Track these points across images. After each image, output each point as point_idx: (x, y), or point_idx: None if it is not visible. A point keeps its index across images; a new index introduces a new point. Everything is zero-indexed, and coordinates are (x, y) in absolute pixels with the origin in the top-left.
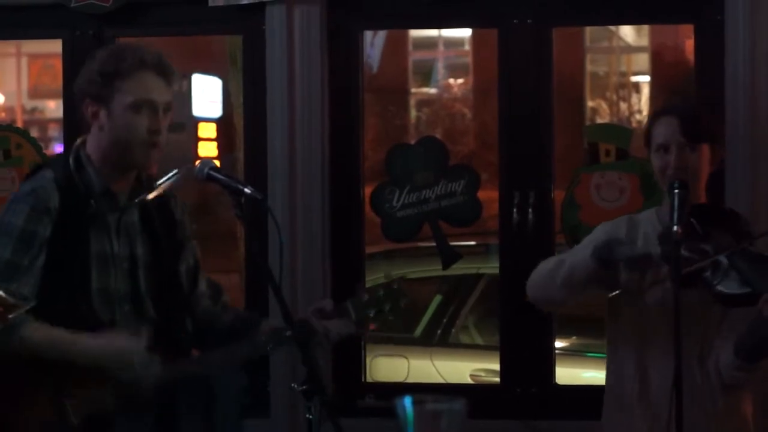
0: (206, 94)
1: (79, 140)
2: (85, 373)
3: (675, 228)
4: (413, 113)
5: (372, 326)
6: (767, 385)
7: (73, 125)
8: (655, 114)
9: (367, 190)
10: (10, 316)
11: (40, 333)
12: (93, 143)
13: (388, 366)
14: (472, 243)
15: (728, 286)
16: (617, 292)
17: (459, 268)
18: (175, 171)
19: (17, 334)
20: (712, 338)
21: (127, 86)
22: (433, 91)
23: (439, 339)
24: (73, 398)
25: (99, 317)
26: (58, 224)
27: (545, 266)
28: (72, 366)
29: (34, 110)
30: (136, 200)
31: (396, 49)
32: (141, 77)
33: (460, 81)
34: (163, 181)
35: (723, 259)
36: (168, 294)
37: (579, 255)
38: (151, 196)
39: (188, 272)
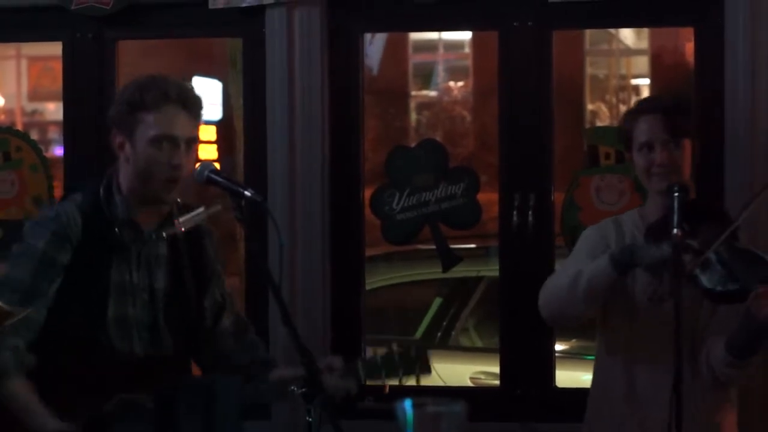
0: (206, 97)
1: (113, 167)
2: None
3: (675, 231)
4: (413, 116)
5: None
6: (752, 381)
7: (73, 127)
8: (633, 112)
9: (367, 193)
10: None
11: (19, 391)
12: (123, 173)
13: None
14: (472, 245)
15: (717, 283)
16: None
17: (459, 271)
18: (200, 209)
19: (6, 380)
20: (702, 335)
21: (150, 119)
22: (433, 93)
23: (439, 341)
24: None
25: (114, 345)
26: (79, 251)
27: (558, 282)
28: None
29: (33, 112)
30: (159, 235)
31: (396, 51)
32: (164, 111)
33: (460, 83)
34: (186, 218)
35: (711, 255)
36: (187, 327)
37: (596, 264)
38: (170, 232)
39: (213, 308)
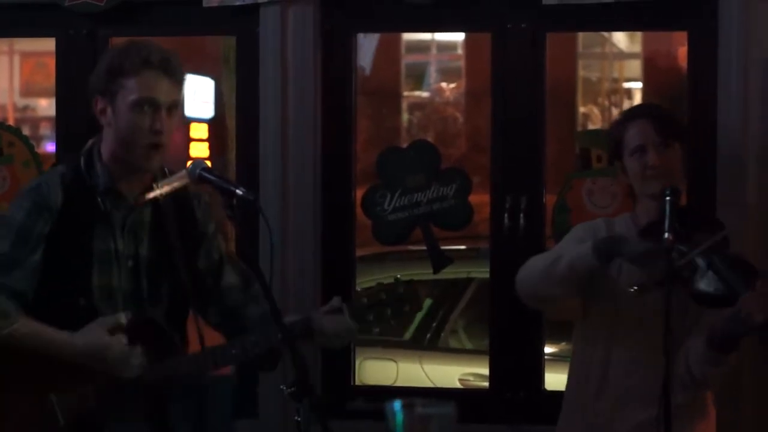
0: (198, 95)
1: (95, 137)
2: (70, 368)
3: (666, 235)
4: (405, 116)
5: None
6: (727, 380)
7: (65, 124)
8: (622, 121)
9: (359, 193)
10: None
11: (27, 328)
12: (105, 141)
13: (377, 369)
14: (463, 247)
15: (707, 286)
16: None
17: (449, 272)
18: (181, 173)
19: (6, 328)
20: (681, 336)
21: (131, 84)
22: (425, 94)
23: (428, 343)
24: (59, 395)
25: (101, 313)
26: (60, 221)
27: (538, 263)
28: (56, 362)
29: (26, 108)
30: (142, 202)
31: (389, 51)
32: (145, 75)
33: (452, 85)
34: (165, 182)
35: (701, 260)
36: (176, 294)
37: (578, 250)
38: (150, 195)
39: (210, 268)
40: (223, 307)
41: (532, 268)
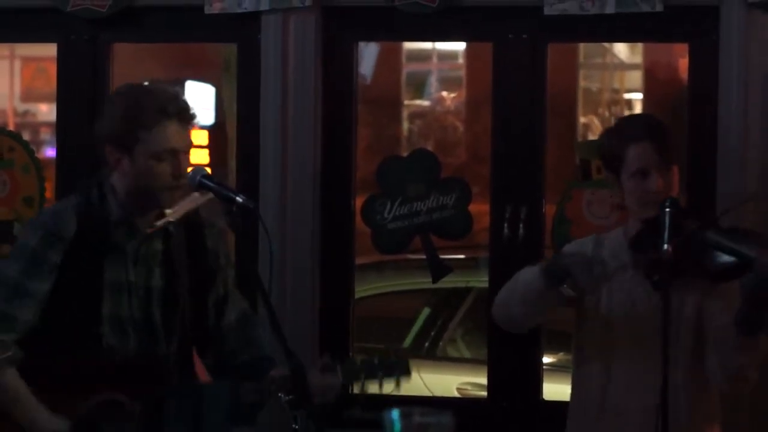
0: (199, 102)
1: (105, 170)
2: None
3: (666, 247)
4: (406, 125)
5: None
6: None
7: (65, 129)
8: (622, 138)
9: (358, 201)
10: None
11: (12, 385)
12: (118, 183)
13: None
14: (462, 256)
15: (715, 262)
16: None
17: (448, 281)
18: (186, 200)
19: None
20: (691, 344)
21: (149, 137)
22: (426, 103)
23: (426, 351)
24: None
25: (110, 343)
26: (72, 251)
27: (501, 291)
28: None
29: (26, 113)
30: (155, 232)
31: (389, 60)
32: (163, 128)
33: (453, 94)
34: (174, 210)
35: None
36: (184, 326)
37: (527, 276)
38: (159, 223)
39: (216, 303)
40: (219, 350)
41: (500, 295)
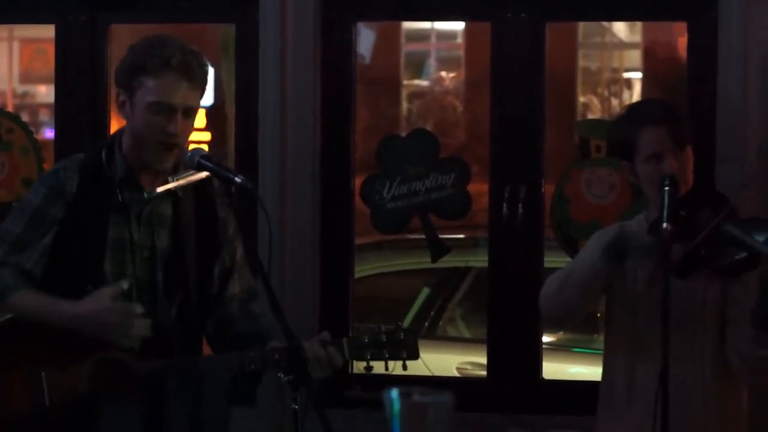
0: None
1: (120, 128)
2: (68, 346)
3: (665, 225)
4: (405, 105)
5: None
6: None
7: (64, 110)
8: (635, 123)
9: (358, 181)
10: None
11: (28, 299)
12: (126, 132)
13: None
14: (461, 236)
15: (726, 257)
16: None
17: (447, 261)
18: (191, 171)
19: (8, 298)
20: (718, 333)
21: (150, 84)
22: (425, 83)
23: (426, 331)
24: (50, 371)
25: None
26: (74, 207)
27: (553, 282)
28: (56, 337)
29: (25, 95)
30: (161, 194)
31: (388, 40)
32: (164, 78)
33: (452, 74)
34: (179, 177)
35: (713, 236)
36: (188, 291)
37: (587, 259)
38: (161, 188)
39: (221, 273)
40: (219, 318)
41: (549, 286)
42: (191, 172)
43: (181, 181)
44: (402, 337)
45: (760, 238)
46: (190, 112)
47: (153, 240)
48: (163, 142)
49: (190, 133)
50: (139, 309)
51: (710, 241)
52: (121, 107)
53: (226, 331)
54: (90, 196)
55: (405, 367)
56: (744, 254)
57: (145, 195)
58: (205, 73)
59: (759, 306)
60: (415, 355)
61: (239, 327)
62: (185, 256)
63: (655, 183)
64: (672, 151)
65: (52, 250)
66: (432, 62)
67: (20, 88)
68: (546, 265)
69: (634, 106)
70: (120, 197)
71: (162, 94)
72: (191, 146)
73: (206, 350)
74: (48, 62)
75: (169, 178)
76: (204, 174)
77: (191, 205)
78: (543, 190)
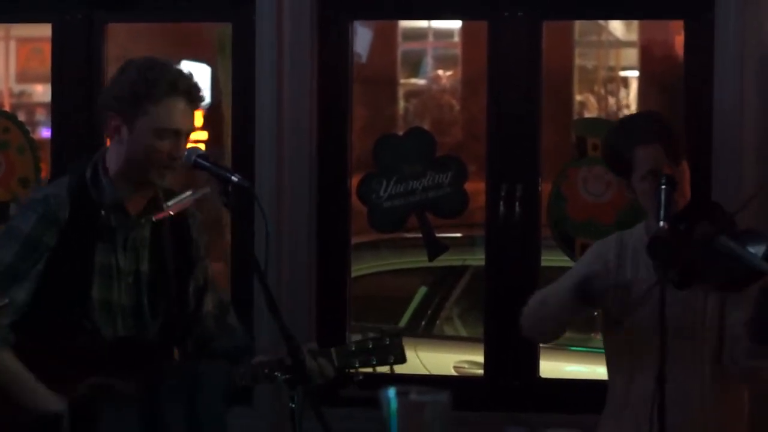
0: None
1: (101, 150)
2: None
3: (661, 224)
4: (401, 104)
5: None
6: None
7: (60, 110)
8: (630, 141)
9: (354, 180)
10: None
11: (8, 362)
12: (112, 155)
13: None
14: (458, 234)
15: (723, 270)
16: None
17: (444, 260)
18: (188, 193)
19: None
20: (718, 341)
21: (155, 111)
22: (421, 82)
23: (423, 330)
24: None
25: (98, 327)
26: (65, 234)
27: (536, 297)
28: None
29: (21, 94)
30: (146, 219)
31: (385, 39)
32: (170, 104)
33: (449, 72)
34: (174, 202)
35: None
36: (169, 311)
37: (561, 290)
38: (160, 215)
39: (195, 292)
40: (197, 336)
41: (529, 306)
42: (185, 196)
43: (179, 206)
44: (388, 342)
45: (756, 250)
46: (190, 134)
47: (137, 264)
48: (166, 165)
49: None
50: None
51: (708, 254)
52: (115, 132)
53: (204, 347)
54: (80, 222)
55: (392, 371)
56: (743, 269)
57: (142, 220)
58: (203, 95)
59: (754, 319)
60: (402, 359)
61: (218, 344)
62: (167, 277)
63: (648, 198)
64: (668, 167)
65: (42, 276)
66: (429, 61)
67: (17, 88)
68: (543, 263)
69: (627, 122)
70: (108, 223)
71: (169, 121)
72: (188, 145)
73: None
74: (45, 61)
75: (164, 205)
76: (196, 194)
77: (168, 227)
78: (540, 189)
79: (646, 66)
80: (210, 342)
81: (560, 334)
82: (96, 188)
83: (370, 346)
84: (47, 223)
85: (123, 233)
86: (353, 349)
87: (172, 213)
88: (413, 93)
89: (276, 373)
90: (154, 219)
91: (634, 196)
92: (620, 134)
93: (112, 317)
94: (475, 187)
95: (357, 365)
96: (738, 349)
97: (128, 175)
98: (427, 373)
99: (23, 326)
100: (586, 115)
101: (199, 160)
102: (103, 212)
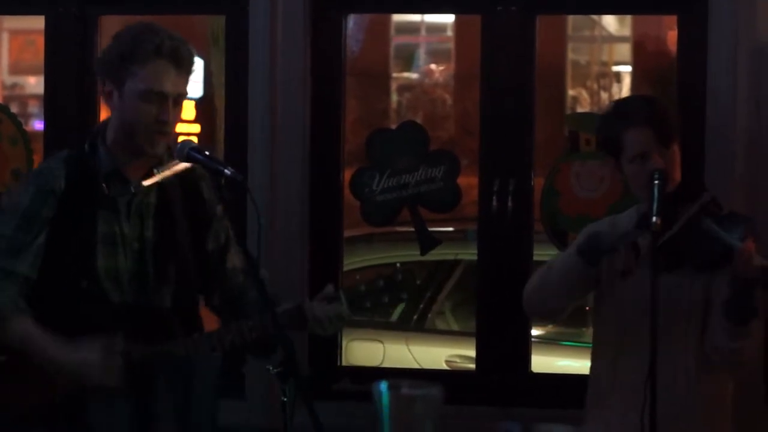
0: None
1: (104, 120)
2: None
3: (654, 219)
4: (394, 98)
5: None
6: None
7: (53, 102)
8: (620, 122)
9: (347, 174)
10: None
11: (23, 328)
12: (110, 125)
13: (363, 350)
14: (451, 229)
15: (703, 251)
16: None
17: (437, 254)
18: (175, 161)
19: (5, 323)
20: (701, 326)
21: (140, 73)
22: (414, 76)
23: (415, 324)
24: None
25: (106, 296)
26: (64, 205)
27: (534, 278)
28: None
29: (14, 86)
30: (149, 186)
31: (378, 33)
32: (155, 66)
33: (442, 67)
34: (163, 168)
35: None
36: (183, 276)
37: (564, 257)
38: (148, 182)
39: (217, 250)
40: (226, 291)
41: (531, 283)
42: (175, 162)
43: (166, 172)
44: (400, 278)
45: (735, 233)
46: (179, 100)
47: (142, 231)
48: (154, 130)
49: (178, 121)
50: (119, 362)
51: (690, 235)
52: (108, 97)
53: (237, 301)
54: (78, 191)
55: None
56: (719, 248)
57: (132, 188)
58: (193, 60)
59: (731, 298)
60: (415, 293)
61: (252, 295)
62: (176, 242)
63: (642, 182)
64: (657, 150)
65: (45, 249)
66: (422, 55)
67: (9, 80)
68: (535, 258)
69: (619, 104)
70: (107, 191)
71: (154, 82)
72: (180, 138)
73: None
74: (37, 53)
75: (154, 171)
76: (186, 164)
77: (177, 192)
78: (532, 183)
79: (639, 61)
80: (243, 295)
81: (561, 312)
82: (94, 158)
83: (381, 284)
84: (44, 194)
85: (125, 201)
86: (363, 289)
87: (158, 180)
88: (406, 87)
89: (268, 366)
90: (144, 184)
91: (623, 176)
92: (612, 116)
93: (120, 284)
94: (468, 182)
95: (368, 306)
96: (720, 331)
97: (124, 142)
98: (419, 367)
99: (31, 298)
100: (579, 109)
101: (193, 153)
102: (101, 181)
